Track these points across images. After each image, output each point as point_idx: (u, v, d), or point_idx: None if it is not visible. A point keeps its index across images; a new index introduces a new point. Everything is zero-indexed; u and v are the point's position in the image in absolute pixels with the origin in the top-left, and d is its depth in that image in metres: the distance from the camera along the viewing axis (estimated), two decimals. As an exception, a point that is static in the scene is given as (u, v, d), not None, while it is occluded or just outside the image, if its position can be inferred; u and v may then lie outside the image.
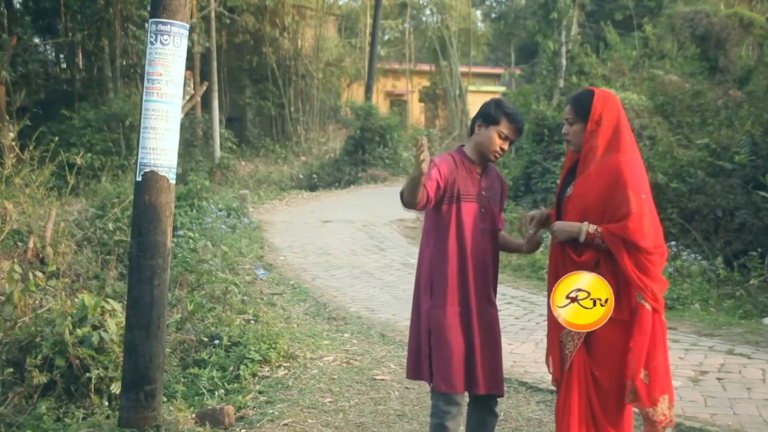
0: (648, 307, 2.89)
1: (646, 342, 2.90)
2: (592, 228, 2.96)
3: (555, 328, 3.12)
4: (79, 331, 4.61)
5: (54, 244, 7.62)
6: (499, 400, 3.46)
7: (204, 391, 4.89)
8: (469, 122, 3.43)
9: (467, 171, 3.30)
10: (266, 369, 5.29)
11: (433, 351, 3.25)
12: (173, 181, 4.16)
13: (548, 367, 3.24)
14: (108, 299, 4.98)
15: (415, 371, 3.39)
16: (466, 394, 3.35)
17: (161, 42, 4.01)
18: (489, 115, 3.27)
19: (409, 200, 3.13)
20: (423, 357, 3.33)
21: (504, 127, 3.25)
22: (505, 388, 4.69)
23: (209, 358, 5.38)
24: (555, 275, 3.13)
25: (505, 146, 3.28)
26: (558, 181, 3.31)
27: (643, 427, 3.02)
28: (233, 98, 24.94)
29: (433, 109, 31.26)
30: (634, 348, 2.90)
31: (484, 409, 3.40)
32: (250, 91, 25.50)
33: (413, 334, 3.41)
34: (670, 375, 3.04)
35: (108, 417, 4.35)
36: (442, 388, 3.23)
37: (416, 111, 32.08)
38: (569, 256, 3.05)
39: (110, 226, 8.87)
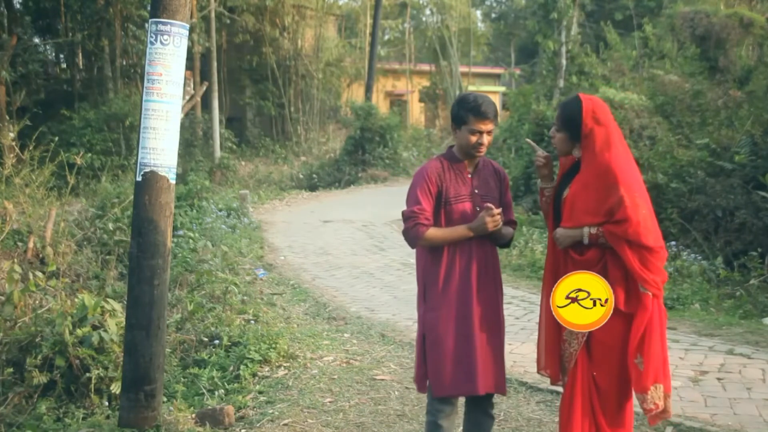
0: (650, 294, 2.92)
1: (644, 326, 2.91)
2: (594, 229, 2.98)
3: (553, 328, 3.13)
4: (79, 331, 4.61)
5: (54, 244, 7.61)
6: (499, 399, 3.45)
7: (204, 391, 4.89)
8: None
9: (456, 172, 3.29)
10: (266, 369, 5.29)
11: (428, 356, 3.25)
12: (173, 181, 4.16)
13: (540, 365, 3.24)
14: (108, 299, 4.98)
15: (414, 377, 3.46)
16: None
17: (161, 42, 4.01)
18: (457, 116, 3.25)
19: (426, 245, 3.25)
20: (417, 363, 3.36)
21: (473, 124, 3.20)
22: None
23: (209, 358, 5.38)
24: (554, 275, 3.13)
25: (484, 139, 3.22)
26: (554, 185, 3.30)
27: (643, 427, 3.03)
28: (233, 98, 24.93)
29: (433, 109, 31.28)
30: (631, 332, 2.91)
31: (478, 410, 3.38)
32: (250, 91, 25.49)
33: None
34: (668, 365, 3.04)
35: (108, 417, 4.35)
36: (438, 393, 3.23)
37: (416, 111, 32.11)
38: (570, 255, 3.05)
39: (110, 226, 8.86)
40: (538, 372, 3.30)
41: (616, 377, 2.99)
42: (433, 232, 3.21)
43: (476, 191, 3.30)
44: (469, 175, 3.31)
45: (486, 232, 3.20)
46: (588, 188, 3.01)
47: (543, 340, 3.24)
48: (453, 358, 3.20)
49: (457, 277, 3.23)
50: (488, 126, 3.22)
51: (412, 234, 3.24)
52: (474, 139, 3.22)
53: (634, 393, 3.00)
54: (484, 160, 3.39)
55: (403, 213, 3.29)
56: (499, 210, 3.23)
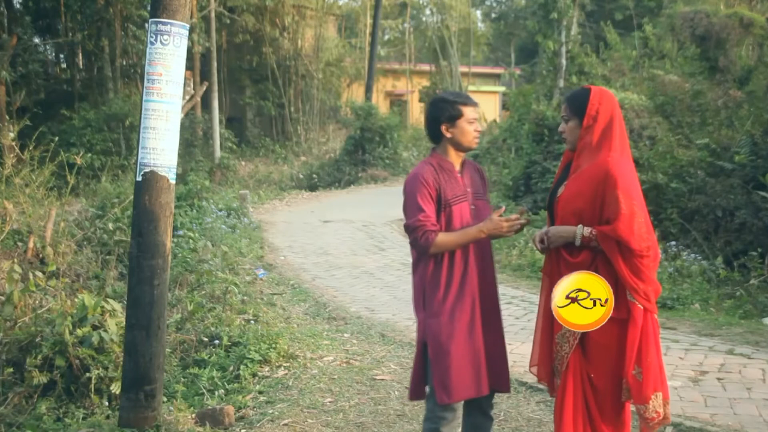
0: (639, 305, 2.91)
1: (638, 339, 2.90)
2: (587, 231, 2.95)
3: (547, 333, 3.12)
4: (79, 331, 4.61)
5: (54, 244, 7.61)
6: (499, 399, 3.44)
7: (204, 391, 4.89)
8: (427, 130, 3.35)
9: (448, 173, 3.25)
10: (266, 369, 5.29)
11: (434, 363, 3.16)
12: (173, 181, 4.16)
13: (532, 364, 3.24)
14: (108, 299, 4.98)
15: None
16: None
17: (161, 42, 4.01)
18: (451, 115, 3.24)
19: (437, 251, 3.15)
20: (414, 369, 3.31)
21: (468, 113, 3.24)
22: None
23: (209, 358, 5.38)
24: (550, 277, 3.12)
25: (479, 126, 3.30)
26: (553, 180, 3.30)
27: (639, 426, 3.03)
28: (233, 98, 24.94)
29: (433, 109, 31.22)
30: (626, 346, 2.91)
31: (478, 411, 3.34)
32: (250, 91, 25.50)
33: None
34: (665, 373, 3.04)
35: (108, 417, 4.35)
36: (445, 400, 3.13)
37: (416, 111, 32.07)
38: (563, 257, 3.03)
39: (110, 226, 8.86)
40: (529, 370, 3.30)
41: (613, 378, 2.98)
42: (444, 237, 3.13)
43: (468, 189, 3.29)
44: (459, 174, 3.29)
45: (501, 236, 3.16)
46: (583, 190, 2.98)
47: (537, 345, 3.21)
48: (460, 362, 3.13)
49: (458, 279, 3.18)
50: (477, 112, 3.29)
51: (422, 243, 3.14)
52: (472, 127, 3.26)
53: (634, 404, 2.99)
54: (465, 159, 3.37)
55: (408, 225, 3.19)
56: (526, 218, 3.20)
